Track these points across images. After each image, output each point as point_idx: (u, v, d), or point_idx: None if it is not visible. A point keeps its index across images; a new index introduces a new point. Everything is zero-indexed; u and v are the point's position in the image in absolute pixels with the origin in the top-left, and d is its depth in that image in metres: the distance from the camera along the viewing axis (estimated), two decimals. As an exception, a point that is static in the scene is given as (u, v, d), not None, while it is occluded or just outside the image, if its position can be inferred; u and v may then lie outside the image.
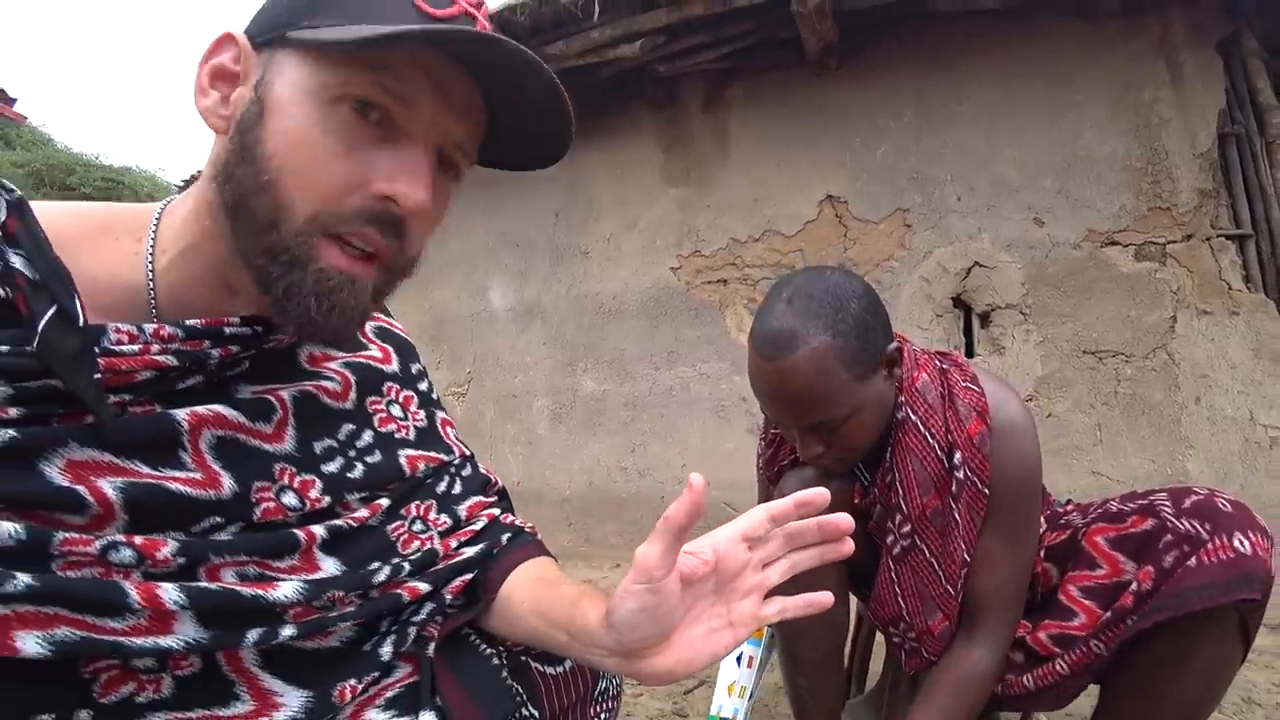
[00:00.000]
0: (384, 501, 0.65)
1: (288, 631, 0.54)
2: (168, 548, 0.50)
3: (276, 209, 0.51)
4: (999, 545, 1.03)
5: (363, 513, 0.64)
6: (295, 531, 0.57)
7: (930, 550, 1.03)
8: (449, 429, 0.79)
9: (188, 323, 0.54)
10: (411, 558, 0.65)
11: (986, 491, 1.00)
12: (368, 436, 0.68)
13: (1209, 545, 0.88)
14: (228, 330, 0.55)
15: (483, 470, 0.81)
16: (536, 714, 0.64)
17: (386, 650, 0.61)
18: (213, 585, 0.51)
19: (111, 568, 0.48)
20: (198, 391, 0.55)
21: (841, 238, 2.56)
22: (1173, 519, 0.94)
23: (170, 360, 0.52)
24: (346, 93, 0.51)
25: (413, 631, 0.64)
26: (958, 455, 1.00)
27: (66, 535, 0.46)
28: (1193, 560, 0.88)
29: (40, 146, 9.93)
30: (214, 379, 0.57)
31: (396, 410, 0.73)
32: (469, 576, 0.69)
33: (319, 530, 0.59)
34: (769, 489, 1.25)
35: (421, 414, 0.76)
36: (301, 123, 0.50)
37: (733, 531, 0.51)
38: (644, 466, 2.80)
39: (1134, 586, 0.95)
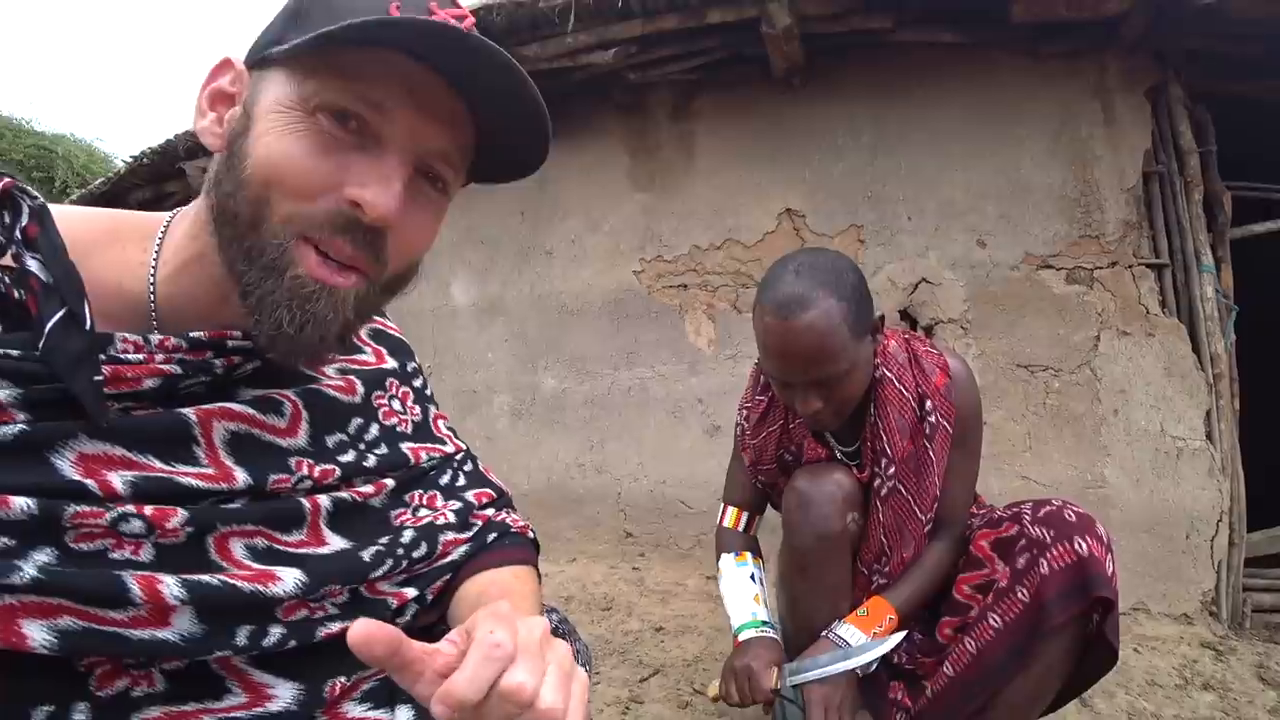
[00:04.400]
0: (389, 481, 0.68)
1: (277, 632, 0.55)
2: (177, 518, 0.51)
3: (256, 208, 0.52)
4: (957, 468, 1.23)
5: (367, 488, 0.66)
6: (301, 500, 0.59)
7: (905, 489, 1.20)
8: (441, 422, 0.82)
9: (191, 334, 0.55)
10: (413, 553, 0.66)
11: (952, 431, 1.19)
12: (375, 430, 0.71)
13: (1052, 551, 1.04)
14: (230, 343, 0.57)
15: (485, 474, 0.84)
16: None
17: None
18: (214, 580, 0.52)
19: (122, 539, 0.49)
20: (199, 395, 0.57)
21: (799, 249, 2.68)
22: (1029, 525, 1.12)
23: (174, 369, 0.54)
24: (323, 100, 0.53)
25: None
26: (928, 403, 1.19)
27: (78, 509, 0.47)
28: (1044, 567, 1.03)
29: (-35, 109, 9.36)
30: (216, 384, 0.58)
31: (396, 405, 0.76)
32: (449, 576, 0.71)
33: (324, 500, 0.61)
34: (746, 455, 1.38)
35: (417, 409, 0.79)
36: (279, 128, 0.53)
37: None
38: (601, 464, 2.86)
39: (995, 585, 1.11)
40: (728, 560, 1.39)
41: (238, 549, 0.55)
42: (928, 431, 1.18)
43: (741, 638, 1.26)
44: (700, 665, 1.80)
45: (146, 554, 0.51)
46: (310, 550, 0.59)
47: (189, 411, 0.55)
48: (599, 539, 2.82)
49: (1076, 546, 1.03)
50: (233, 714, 0.53)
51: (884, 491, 1.21)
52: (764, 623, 1.27)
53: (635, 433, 2.82)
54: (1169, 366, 2.26)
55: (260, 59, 0.56)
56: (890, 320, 2.55)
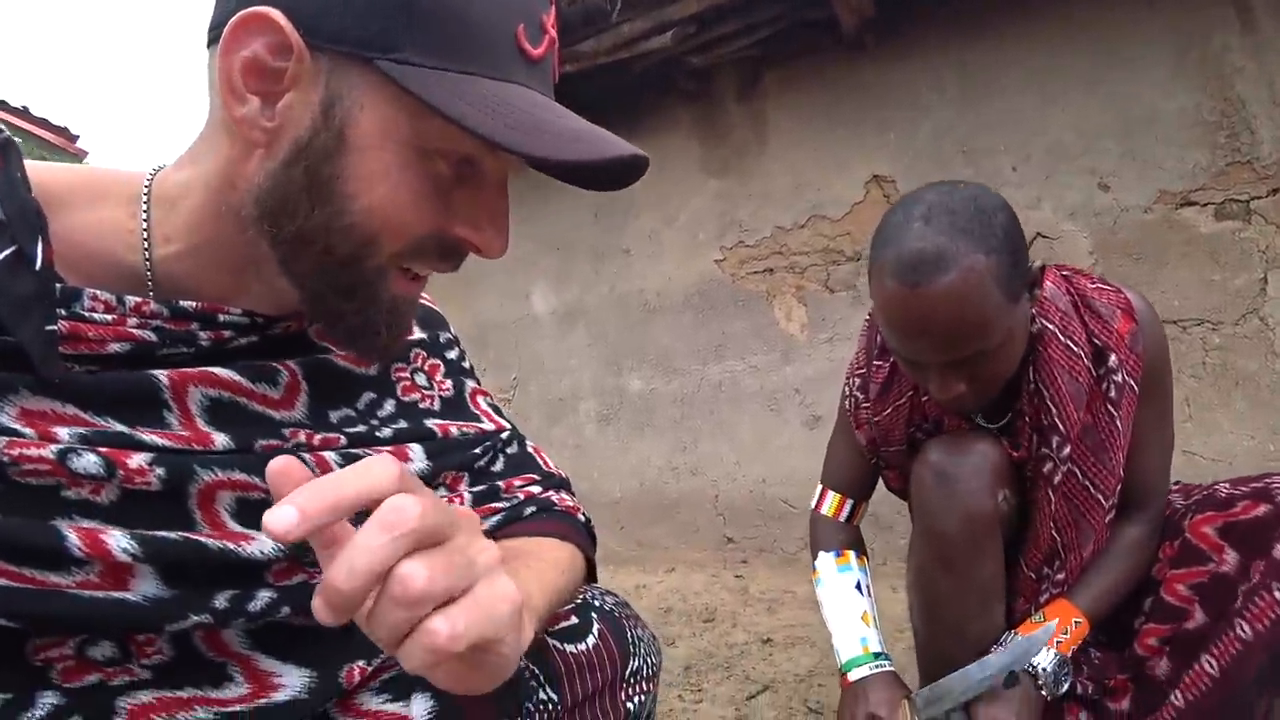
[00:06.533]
0: (413, 450, 0.59)
1: (265, 596, 0.48)
2: (141, 457, 0.43)
3: (360, 248, 0.47)
4: (1151, 433, 0.97)
5: (386, 451, 0.58)
6: (305, 456, 0.51)
7: (1083, 472, 0.94)
8: (481, 399, 0.73)
9: (180, 303, 0.49)
10: None
11: (1139, 389, 0.94)
12: (390, 406, 0.63)
13: None
14: (222, 318, 0.51)
15: (534, 455, 0.76)
16: (555, 698, 0.57)
17: None
18: (173, 535, 0.44)
19: (76, 478, 0.42)
20: (183, 360, 0.50)
21: (891, 218, 2.47)
22: None
23: (148, 335, 0.47)
24: (447, 148, 0.46)
25: None
26: (1112, 359, 0.92)
27: (14, 439, 0.40)
28: None
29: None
30: (202, 356, 0.51)
31: (421, 379, 0.68)
32: None
33: (333, 457, 0.53)
34: (862, 433, 1.13)
35: (448, 383, 0.71)
36: (395, 173, 0.46)
37: None
38: (695, 465, 2.72)
39: (1241, 584, 0.84)
40: (826, 561, 1.16)
41: (225, 503, 0.48)
42: (1112, 395, 0.92)
43: (852, 676, 1.03)
44: (815, 680, 1.61)
45: (109, 496, 0.44)
46: None
47: (160, 374, 0.48)
48: (697, 545, 2.67)
49: None
50: (232, 707, 0.47)
51: (1057, 477, 0.95)
52: (877, 655, 1.04)
53: (729, 430, 2.67)
54: (1360, 303, 1.90)
55: (345, 53, 0.44)
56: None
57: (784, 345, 2.59)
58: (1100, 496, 0.94)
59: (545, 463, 0.77)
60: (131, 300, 0.48)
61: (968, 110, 2.38)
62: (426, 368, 0.69)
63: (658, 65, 2.67)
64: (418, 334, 0.70)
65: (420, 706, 0.52)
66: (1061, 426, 0.93)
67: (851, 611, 1.09)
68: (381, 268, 0.49)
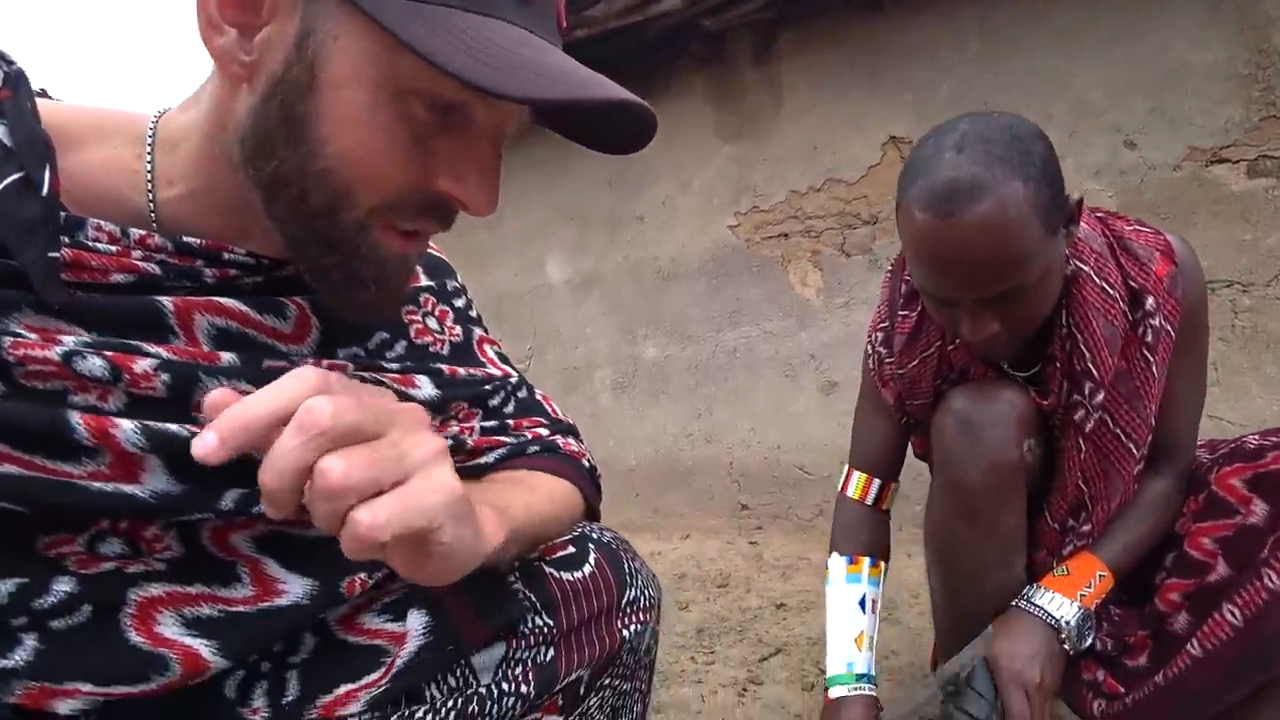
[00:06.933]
0: (420, 379, 0.59)
1: None
2: (146, 362, 0.44)
3: (335, 198, 0.46)
4: (1184, 384, 0.94)
5: (394, 375, 0.58)
6: (309, 362, 0.52)
7: (1117, 420, 0.91)
8: (489, 347, 0.74)
9: (184, 239, 0.49)
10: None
11: (1175, 336, 0.91)
12: (401, 347, 0.63)
13: None
14: (227, 255, 0.50)
15: (543, 402, 0.76)
16: (551, 624, 0.57)
17: None
18: (181, 429, 0.44)
19: (84, 381, 0.42)
20: (188, 292, 0.50)
21: (909, 180, 2.42)
22: None
23: (152, 268, 0.47)
24: (420, 86, 0.43)
25: None
26: (1149, 301, 0.89)
27: (19, 339, 0.41)
28: None
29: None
30: (210, 291, 0.51)
31: (433, 323, 0.68)
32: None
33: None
34: (888, 391, 1.09)
35: (458, 329, 0.71)
36: (367, 115, 0.44)
37: None
38: (710, 432, 2.72)
39: (1269, 535, 0.82)
40: (837, 565, 1.11)
41: None
42: (1149, 339, 0.89)
43: (832, 693, 1.03)
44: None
45: (116, 402, 0.45)
46: None
47: (165, 299, 0.48)
48: (712, 513, 2.68)
49: None
50: (236, 606, 0.48)
51: (1089, 426, 0.92)
52: (860, 676, 1.03)
53: (744, 397, 2.66)
54: (1399, 262, 1.83)
55: None
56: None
57: (799, 311, 2.56)
58: (1132, 446, 0.92)
59: (554, 410, 0.78)
60: (136, 233, 0.48)
61: (987, 68, 2.32)
62: (437, 313, 0.69)
63: (670, 29, 2.61)
64: (425, 281, 0.71)
65: (416, 621, 0.54)
66: (1096, 372, 0.90)
67: (848, 629, 1.07)
68: (361, 223, 0.48)
